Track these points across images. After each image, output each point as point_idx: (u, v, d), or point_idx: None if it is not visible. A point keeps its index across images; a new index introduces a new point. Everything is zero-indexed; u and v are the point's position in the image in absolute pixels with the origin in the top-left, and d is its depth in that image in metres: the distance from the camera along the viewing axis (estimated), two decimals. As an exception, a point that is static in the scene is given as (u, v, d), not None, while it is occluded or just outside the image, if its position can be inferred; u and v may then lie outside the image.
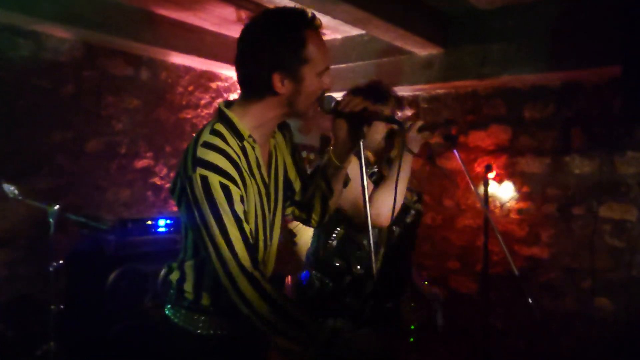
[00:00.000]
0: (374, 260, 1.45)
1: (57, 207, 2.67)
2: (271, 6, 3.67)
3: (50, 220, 2.65)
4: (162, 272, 1.69)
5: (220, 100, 4.99)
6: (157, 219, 3.29)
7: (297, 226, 3.59)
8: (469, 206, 4.15)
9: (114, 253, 3.04)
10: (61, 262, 2.62)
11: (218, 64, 4.60)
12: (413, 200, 2.31)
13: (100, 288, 2.87)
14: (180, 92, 4.65)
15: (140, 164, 4.38)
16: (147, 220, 3.26)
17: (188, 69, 4.69)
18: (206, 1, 3.68)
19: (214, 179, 1.36)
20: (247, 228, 1.41)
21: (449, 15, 3.79)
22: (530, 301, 2.47)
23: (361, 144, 1.50)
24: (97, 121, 4.07)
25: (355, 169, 2.00)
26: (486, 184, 3.72)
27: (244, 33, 1.48)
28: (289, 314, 1.37)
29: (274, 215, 1.62)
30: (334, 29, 4.25)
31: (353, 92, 2.09)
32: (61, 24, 3.61)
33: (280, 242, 2.49)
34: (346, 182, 1.74)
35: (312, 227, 1.85)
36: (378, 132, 2.12)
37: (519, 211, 3.93)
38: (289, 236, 3.54)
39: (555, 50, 3.42)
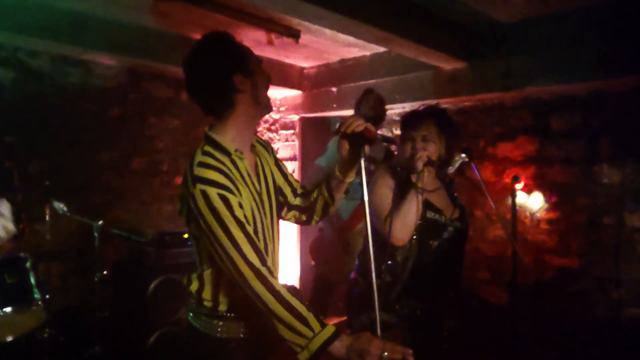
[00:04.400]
0: (373, 269, 1.57)
1: (100, 222, 2.91)
2: (301, 28, 3.91)
3: (95, 234, 2.90)
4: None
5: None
6: (193, 232, 3.50)
7: (353, 238, 3.67)
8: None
9: (153, 264, 3.26)
10: (105, 272, 2.86)
11: (253, 83, 4.82)
12: (453, 217, 2.41)
13: (141, 296, 3.09)
14: (218, 111, 4.90)
15: (181, 180, 4.63)
16: (184, 234, 3.47)
17: (225, 89, 4.93)
18: (238, 26, 3.89)
19: (212, 192, 1.54)
20: (250, 229, 1.58)
21: (472, 30, 3.86)
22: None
23: (362, 162, 1.64)
24: (141, 141, 4.37)
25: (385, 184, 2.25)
26: (514, 195, 3.76)
27: (191, 60, 1.69)
28: (295, 308, 1.50)
29: (271, 219, 1.79)
30: (362, 47, 4.40)
31: (401, 118, 2.41)
32: (108, 53, 3.92)
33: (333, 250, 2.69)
34: (347, 191, 1.89)
35: (311, 225, 2.03)
36: (407, 150, 2.31)
37: (549, 221, 3.93)
38: (343, 247, 3.66)
39: (579, 60, 3.44)
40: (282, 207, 1.93)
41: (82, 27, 3.64)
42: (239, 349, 1.70)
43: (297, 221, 2.00)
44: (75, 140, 3.94)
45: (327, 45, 4.43)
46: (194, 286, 1.74)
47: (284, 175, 1.95)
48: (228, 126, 1.71)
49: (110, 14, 3.72)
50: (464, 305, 4.15)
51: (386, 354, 1.46)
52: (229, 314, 1.70)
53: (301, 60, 4.97)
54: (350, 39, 3.93)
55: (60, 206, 2.82)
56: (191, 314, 1.77)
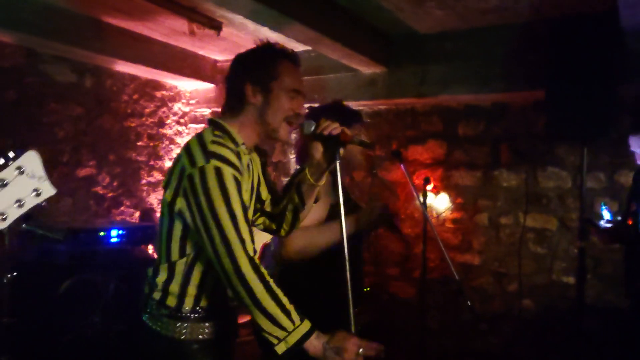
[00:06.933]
0: (347, 268, 1.60)
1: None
2: (223, 20, 3.81)
3: (4, 231, 2.60)
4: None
5: (164, 109, 5.00)
6: (110, 230, 3.27)
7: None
8: (408, 216, 4.41)
9: (64, 264, 3.00)
10: (15, 273, 2.57)
11: (163, 73, 4.61)
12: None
13: (52, 299, 2.83)
14: (125, 100, 4.62)
15: (83, 172, 4.31)
16: (100, 231, 3.23)
17: (133, 78, 4.67)
18: (157, 13, 3.71)
19: (227, 171, 1.51)
20: (251, 217, 1.55)
21: (392, 38, 4.04)
22: (469, 303, 2.72)
23: (337, 164, 1.66)
24: (39, 128, 3.98)
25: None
26: (425, 196, 3.99)
27: (236, 56, 1.76)
28: (280, 300, 1.49)
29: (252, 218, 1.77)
30: (283, 45, 4.39)
31: (322, 112, 2.18)
32: (3, 28, 3.52)
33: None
34: (317, 199, 1.89)
35: (281, 236, 1.97)
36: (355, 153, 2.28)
37: (454, 220, 4.24)
38: None
39: (487, 73, 3.76)
40: (256, 213, 1.89)
41: (-24, -1, 3.24)
42: (202, 351, 1.63)
43: (266, 229, 1.95)
44: (-37, 124, 3.50)
45: (247, 40, 4.35)
46: (162, 277, 1.64)
47: (268, 182, 1.92)
48: (235, 125, 1.70)
49: (12, -13, 3.35)
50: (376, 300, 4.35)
51: (362, 350, 1.50)
52: (192, 315, 1.63)
53: (216, 53, 4.84)
54: (272, 35, 3.89)
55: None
56: (147, 315, 1.67)
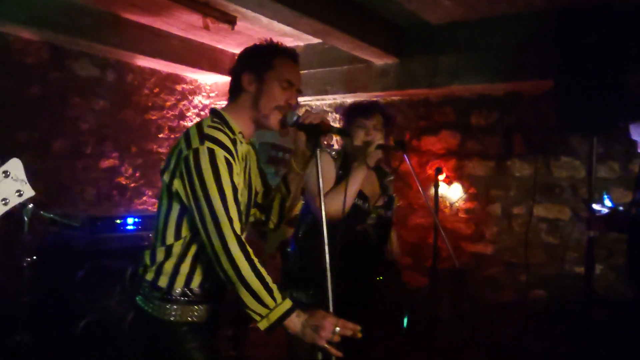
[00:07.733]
0: (327, 255, 1.66)
1: (31, 205, 2.78)
2: (237, 14, 3.90)
3: (25, 218, 2.76)
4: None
5: (185, 102, 5.14)
6: (126, 218, 3.42)
7: None
8: (421, 206, 4.43)
9: (82, 249, 3.16)
10: (34, 257, 2.73)
11: (183, 67, 4.74)
12: (377, 205, 2.56)
13: (69, 283, 2.99)
14: (146, 93, 4.77)
15: (106, 163, 4.49)
16: (116, 219, 3.38)
17: (153, 72, 4.81)
18: (173, 8, 3.82)
19: (220, 153, 1.62)
20: (240, 199, 1.66)
21: (404, 29, 4.06)
22: (468, 291, 2.75)
23: (318, 153, 1.72)
24: (62, 121, 4.16)
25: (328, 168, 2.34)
26: (437, 186, 4.00)
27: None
28: (264, 278, 1.57)
29: (247, 207, 1.85)
30: (297, 37, 4.46)
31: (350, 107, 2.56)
32: (28, 26, 3.70)
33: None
34: (303, 190, 1.97)
35: (269, 229, 2.06)
36: (361, 135, 2.46)
37: (466, 210, 4.24)
38: None
39: (499, 63, 3.74)
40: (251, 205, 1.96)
41: (0, -2, 3.41)
42: (191, 333, 1.71)
43: (256, 221, 2.02)
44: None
45: (262, 33, 4.43)
46: (157, 259, 1.72)
47: (263, 176, 2.01)
48: (233, 114, 1.79)
49: (34, -14, 3.51)
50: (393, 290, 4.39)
51: (338, 329, 1.56)
52: (182, 298, 1.71)
53: (233, 47, 4.93)
54: (286, 28, 3.98)
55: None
56: (140, 297, 1.75)
